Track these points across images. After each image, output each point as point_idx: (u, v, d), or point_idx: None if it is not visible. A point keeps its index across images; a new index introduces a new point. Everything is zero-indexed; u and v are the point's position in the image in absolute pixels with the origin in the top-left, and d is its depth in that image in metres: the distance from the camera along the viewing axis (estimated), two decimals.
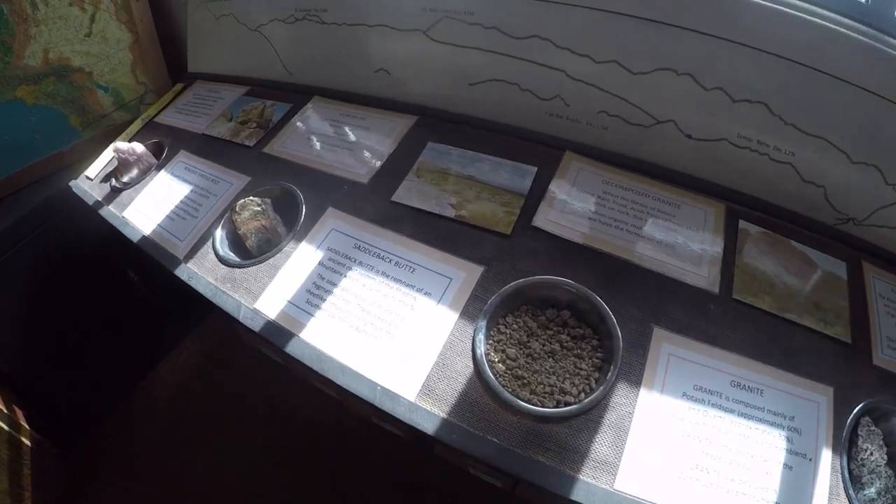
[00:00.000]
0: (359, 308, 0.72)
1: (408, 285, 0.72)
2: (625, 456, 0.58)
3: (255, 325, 0.74)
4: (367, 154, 0.94)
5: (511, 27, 0.81)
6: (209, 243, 0.87)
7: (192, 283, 0.82)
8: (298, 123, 1.03)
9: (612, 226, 0.76)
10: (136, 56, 1.29)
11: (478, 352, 0.64)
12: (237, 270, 0.81)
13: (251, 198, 0.89)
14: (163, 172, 1.02)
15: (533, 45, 0.80)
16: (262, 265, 0.81)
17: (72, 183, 1.13)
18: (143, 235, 0.92)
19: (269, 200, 0.89)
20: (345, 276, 0.76)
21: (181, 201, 0.95)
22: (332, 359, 0.68)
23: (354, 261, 0.78)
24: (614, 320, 0.66)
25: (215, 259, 0.84)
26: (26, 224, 1.21)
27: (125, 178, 1.06)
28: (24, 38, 1.24)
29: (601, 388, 0.62)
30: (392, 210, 0.83)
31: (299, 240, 0.83)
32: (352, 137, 0.98)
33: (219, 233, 0.88)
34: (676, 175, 0.81)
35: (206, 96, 1.18)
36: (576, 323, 0.68)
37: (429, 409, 0.62)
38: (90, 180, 1.11)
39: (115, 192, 1.03)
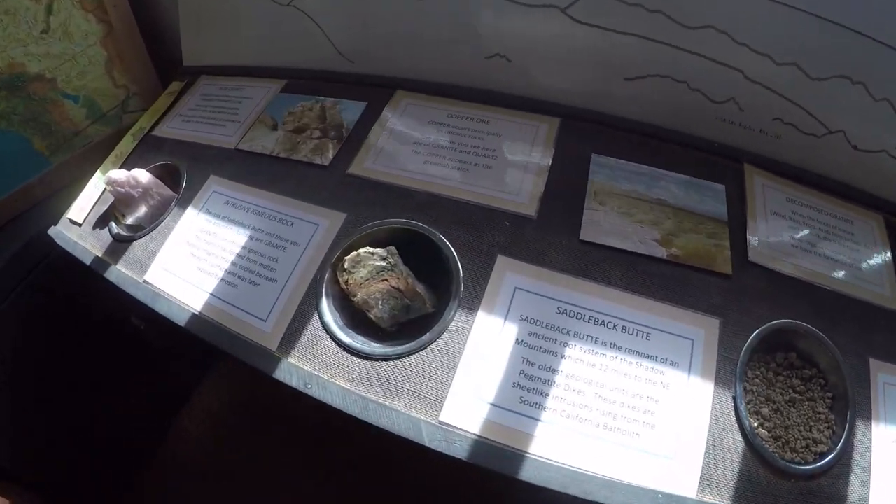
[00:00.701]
0: (598, 398, 0.55)
1: (648, 356, 0.57)
2: None
3: (458, 450, 0.52)
4: (515, 173, 0.69)
5: (682, 12, 0.66)
6: (313, 321, 0.61)
7: (318, 395, 0.56)
8: (391, 128, 0.76)
9: (811, 252, 0.68)
10: (110, 52, 0.98)
11: (745, 423, 0.55)
12: (382, 364, 0.57)
13: (367, 249, 0.62)
14: (191, 211, 0.73)
15: (707, 36, 0.67)
16: (425, 350, 0.58)
17: (52, 231, 0.84)
18: (195, 314, 0.64)
19: (394, 249, 0.62)
20: (562, 357, 0.56)
21: (240, 256, 0.67)
22: (592, 477, 0.51)
23: (565, 331, 0.58)
24: (840, 357, 0.59)
25: (335, 347, 0.59)
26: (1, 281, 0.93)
27: (129, 220, 0.78)
28: None
29: (846, 428, 0.56)
30: (585, 253, 0.62)
31: (468, 308, 0.59)
32: (483, 148, 0.72)
33: (325, 305, 0.62)
34: (842, 187, 0.74)
35: (221, 97, 0.88)
36: (801, 364, 0.61)
37: (713, 502, 0.52)
38: (77, 225, 0.82)
39: (120, 243, 0.75)
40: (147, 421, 1.25)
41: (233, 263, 0.67)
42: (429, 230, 0.64)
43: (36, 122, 0.99)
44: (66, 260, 0.82)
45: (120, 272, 0.72)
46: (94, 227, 0.81)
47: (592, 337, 0.57)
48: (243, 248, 0.67)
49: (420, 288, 0.61)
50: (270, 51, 0.88)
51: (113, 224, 0.78)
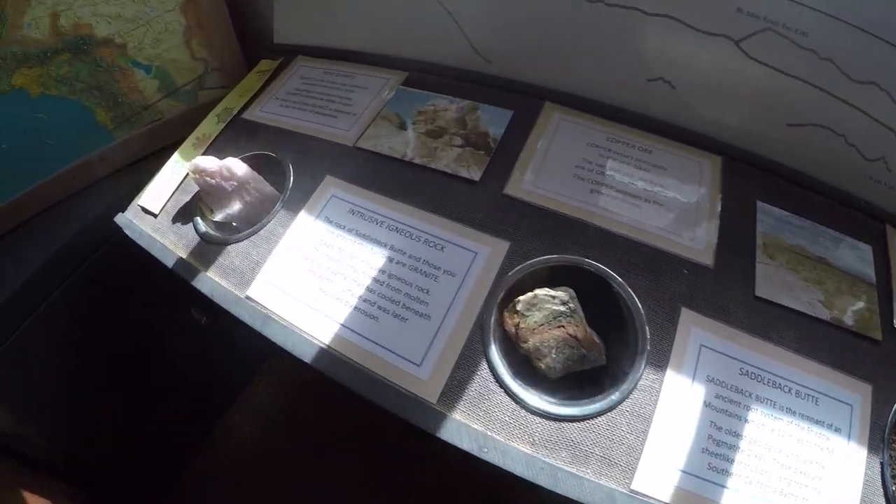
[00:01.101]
0: (777, 463, 0.50)
1: (817, 422, 0.53)
2: None
3: None
4: (687, 215, 0.61)
5: (850, 65, 0.62)
6: (481, 371, 0.50)
7: (496, 460, 0.47)
8: (547, 146, 0.65)
9: None
10: (190, 20, 0.86)
11: (889, 489, 0.51)
12: (567, 425, 0.48)
13: (546, 291, 0.51)
14: (304, 217, 0.62)
15: (869, 92, 0.63)
16: (614, 411, 0.49)
17: (120, 219, 0.72)
18: (326, 350, 0.53)
19: (573, 293, 0.52)
20: (746, 421, 0.51)
21: (379, 282, 0.56)
22: None
23: (748, 394, 0.52)
24: None
25: (510, 403, 0.49)
26: (53, 269, 0.82)
27: (218, 216, 0.66)
28: (16, 4, 0.81)
29: None
30: (761, 311, 0.55)
31: (656, 364, 0.51)
32: (650, 182, 0.63)
33: (495, 352, 0.51)
34: None
35: (327, 83, 0.76)
36: None
37: None
38: (151, 216, 0.71)
39: (209, 244, 0.64)
40: (195, 417, 1.15)
41: (369, 290, 0.55)
42: (607, 272, 0.54)
43: (101, 91, 0.87)
44: (125, 248, 0.71)
45: (214, 282, 0.60)
46: (174, 220, 0.69)
47: (771, 401, 0.53)
48: (381, 271, 0.56)
49: (596, 337, 0.51)
50: (387, 37, 0.76)
51: (199, 220, 0.67)
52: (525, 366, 0.52)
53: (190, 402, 1.08)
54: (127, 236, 0.71)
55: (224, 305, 0.58)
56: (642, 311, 0.52)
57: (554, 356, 0.50)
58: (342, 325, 0.54)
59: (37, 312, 0.84)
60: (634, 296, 0.53)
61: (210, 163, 0.66)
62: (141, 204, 0.73)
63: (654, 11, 0.62)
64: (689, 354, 0.52)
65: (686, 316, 0.53)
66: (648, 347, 0.51)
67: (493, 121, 0.67)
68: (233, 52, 0.87)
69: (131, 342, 0.96)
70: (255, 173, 0.67)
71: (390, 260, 0.57)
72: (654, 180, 0.63)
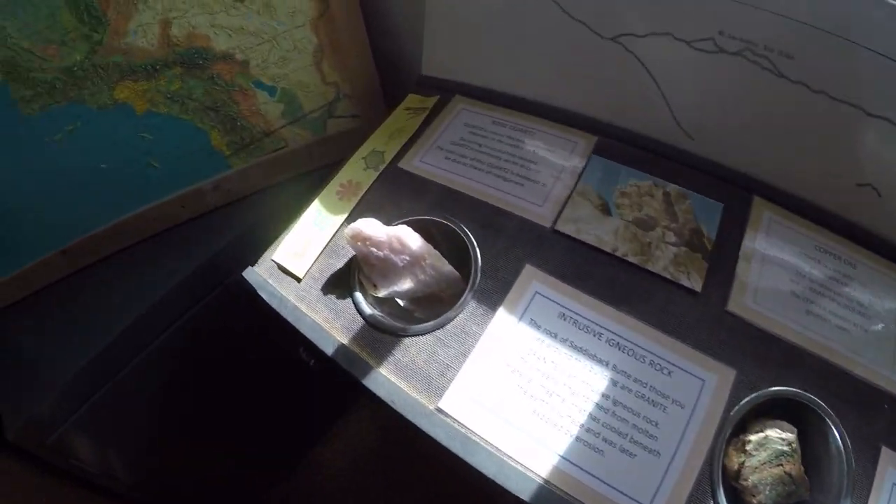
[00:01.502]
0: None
1: None
2: None
3: None
4: (885, 342, 0.53)
5: None
6: None
7: None
8: (762, 255, 0.57)
9: None
10: (322, 38, 0.75)
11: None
12: None
13: (776, 431, 0.45)
14: (504, 315, 0.53)
15: None
16: None
17: (250, 275, 0.63)
18: (542, 483, 0.45)
19: (795, 431, 0.46)
20: None
21: (601, 408, 0.48)
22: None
23: None
24: None
25: None
26: (163, 309, 0.74)
27: (382, 292, 0.57)
28: (120, 7, 0.71)
29: None
30: None
31: None
32: (861, 305, 0.55)
33: (722, 494, 0.44)
34: None
35: (499, 137, 0.66)
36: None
37: None
38: (293, 279, 0.61)
39: (379, 332, 0.55)
40: (285, 450, 1.11)
41: (593, 417, 0.47)
42: (826, 409, 0.47)
43: (217, 112, 0.77)
44: (239, 291, 0.63)
45: (393, 386, 0.51)
46: (326, 290, 0.60)
47: None
48: (605, 396, 0.48)
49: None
50: (566, 88, 0.66)
51: (361, 298, 0.58)
52: (734, 499, 0.45)
53: (280, 435, 1.02)
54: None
55: (411, 418, 0.50)
56: (851, 451, 0.46)
57: (767, 493, 0.45)
58: (562, 456, 0.46)
59: (136, 359, 0.77)
60: (846, 435, 0.47)
61: (376, 229, 0.57)
62: (277, 260, 0.63)
63: (875, 113, 0.53)
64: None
65: (886, 455, 0.46)
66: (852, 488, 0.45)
67: (705, 215, 0.58)
68: (369, 77, 0.76)
69: (229, 377, 0.89)
70: (431, 248, 0.57)
71: (614, 383, 0.49)
72: (864, 303, 0.55)
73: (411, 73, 0.78)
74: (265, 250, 0.65)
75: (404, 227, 0.57)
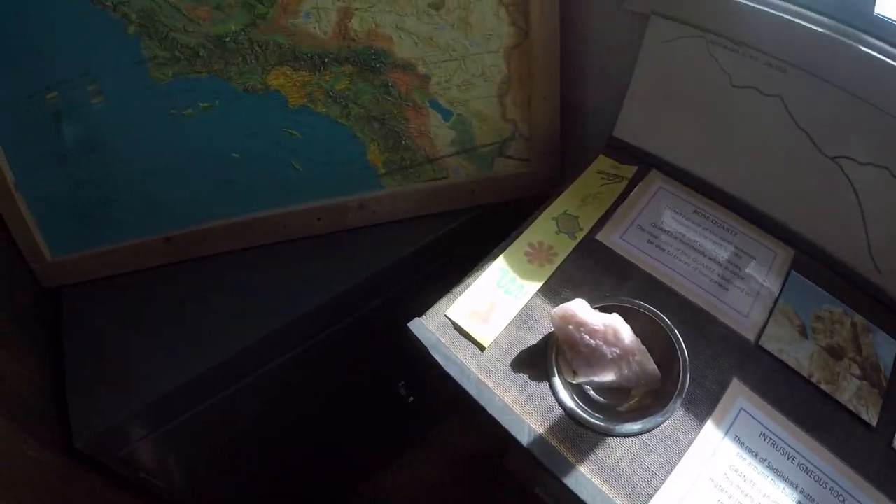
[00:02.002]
0: None
1: None
2: None
3: None
4: None
5: None
6: None
7: None
8: None
9: None
10: (512, 70, 0.69)
11: None
12: None
13: None
14: (711, 430, 0.52)
15: None
16: None
17: (418, 328, 0.58)
18: None
19: None
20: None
21: None
22: None
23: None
24: None
25: None
26: (277, 338, 0.68)
27: (579, 379, 0.55)
28: None
29: None
30: None
31: None
32: None
33: None
34: None
35: (702, 228, 0.64)
36: None
37: None
38: (476, 346, 0.58)
39: (578, 426, 0.53)
40: (349, 476, 1.07)
41: None
42: None
43: (382, 124, 0.70)
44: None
45: (595, 489, 0.50)
46: (516, 367, 0.57)
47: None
48: None
49: None
50: (773, 194, 0.65)
51: (560, 386, 0.55)
52: None
53: (350, 459, 0.98)
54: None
55: None
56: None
57: None
58: None
59: (232, 388, 0.70)
60: None
61: (591, 316, 0.54)
62: (454, 319, 0.59)
63: None
64: None
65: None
66: None
67: (883, 351, 0.60)
68: (551, 122, 0.71)
69: (318, 403, 0.84)
70: (640, 343, 0.56)
71: None
72: None
73: (589, 128, 0.74)
74: (408, 292, 0.61)
75: (618, 317, 0.55)
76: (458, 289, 0.61)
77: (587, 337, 0.54)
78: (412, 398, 0.87)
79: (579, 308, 0.54)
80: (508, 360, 0.57)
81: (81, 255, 0.75)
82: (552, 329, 0.57)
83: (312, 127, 0.70)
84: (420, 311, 0.60)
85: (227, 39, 0.67)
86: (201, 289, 0.71)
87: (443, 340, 0.58)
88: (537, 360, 0.57)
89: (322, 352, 0.73)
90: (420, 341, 0.58)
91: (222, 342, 0.65)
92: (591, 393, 0.57)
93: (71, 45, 0.68)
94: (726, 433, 0.53)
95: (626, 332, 0.55)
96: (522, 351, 0.58)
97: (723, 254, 0.63)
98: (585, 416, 0.54)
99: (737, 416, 0.54)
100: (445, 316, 0.60)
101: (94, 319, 0.71)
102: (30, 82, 0.69)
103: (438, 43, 0.67)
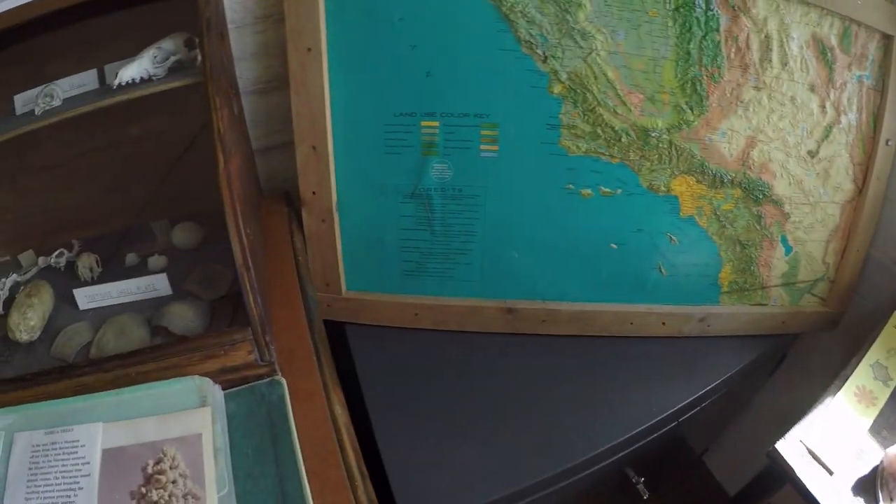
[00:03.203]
0: None
1: None
2: None
3: None
4: None
5: None
6: None
7: None
8: None
9: None
10: (843, 221, 0.78)
11: None
12: None
13: None
14: None
15: None
16: None
17: (786, 453, 0.65)
18: None
19: None
20: None
21: None
22: None
23: None
24: None
25: None
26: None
27: None
28: (724, 100, 0.67)
29: None
30: None
31: None
32: None
33: None
34: None
35: None
36: None
37: None
38: (825, 470, 0.66)
39: None
40: None
41: None
42: None
43: (743, 249, 0.76)
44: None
45: None
46: (855, 492, 0.66)
47: None
48: None
49: None
50: None
51: None
52: None
53: None
54: None
55: None
56: None
57: None
58: None
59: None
60: None
61: None
62: (809, 446, 0.67)
63: None
64: None
65: None
66: None
67: None
68: (853, 271, 0.81)
69: None
70: None
71: None
72: None
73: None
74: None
75: None
76: (806, 420, 0.69)
77: None
78: (648, 495, 0.90)
79: None
80: (848, 486, 0.67)
81: (383, 296, 0.67)
82: (881, 462, 0.68)
83: (690, 237, 0.71)
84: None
85: (652, 134, 0.66)
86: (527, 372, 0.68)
87: (801, 463, 0.66)
88: (867, 488, 0.67)
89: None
90: (787, 464, 0.65)
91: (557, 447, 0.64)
92: None
93: (478, 80, 0.62)
94: None
95: None
96: (858, 480, 0.67)
97: None
98: None
99: None
100: (801, 442, 0.67)
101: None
102: (409, 101, 0.60)
103: (804, 187, 0.74)
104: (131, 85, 0.50)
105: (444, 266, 0.66)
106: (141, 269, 0.64)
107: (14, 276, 0.63)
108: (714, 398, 0.78)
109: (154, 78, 0.51)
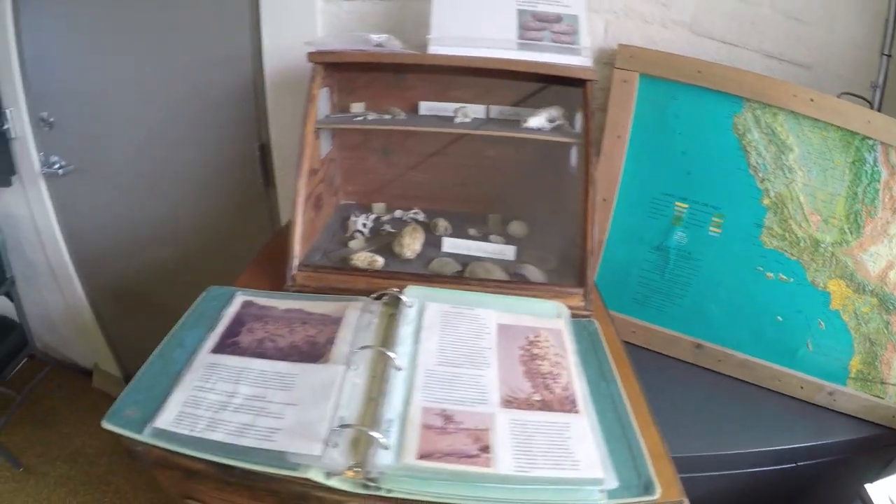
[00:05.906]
0: None
1: None
2: None
3: None
4: None
5: None
6: None
7: None
8: None
9: None
10: None
11: None
12: None
13: None
14: None
15: None
16: None
17: None
18: None
19: None
20: None
21: None
22: None
23: None
24: None
25: None
26: None
27: None
28: (875, 231, 0.93)
29: None
30: None
31: None
32: None
33: None
34: None
35: None
36: None
37: None
38: None
39: None
40: None
41: None
42: None
43: (872, 345, 1.00)
44: None
45: None
46: None
47: None
48: None
49: None
50: None
51: None
52: None
53: None
54: None
55: None
56: None
57: None
58: None
59: None
60: None
61: None
62: None
63: None
64: None
65: None
66: None
67: None
68: None
69: None
70: None
71: None
72: None
73: None
74: None
75: None
76: None
77: None
78: None
79: None
80: None
81: (613, 313, 0.93)
82: None
83: (834, 326, 0.96)
84: None
85: (821, 245, 0.94)
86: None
87: None
88: None
89: None
90: None
91: None
92: None
93: (719, 184, 0.92)
94: None
95: None
96: None
97: None
98: None
99: None
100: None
101: None
102: (672, 186, 0.90)
103: None
104: (529, 129, 0.82)
105: (663, 302, 0.93)
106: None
107: (371, 216, 0.92)
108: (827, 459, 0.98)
109: (542, 129, 0.82)
